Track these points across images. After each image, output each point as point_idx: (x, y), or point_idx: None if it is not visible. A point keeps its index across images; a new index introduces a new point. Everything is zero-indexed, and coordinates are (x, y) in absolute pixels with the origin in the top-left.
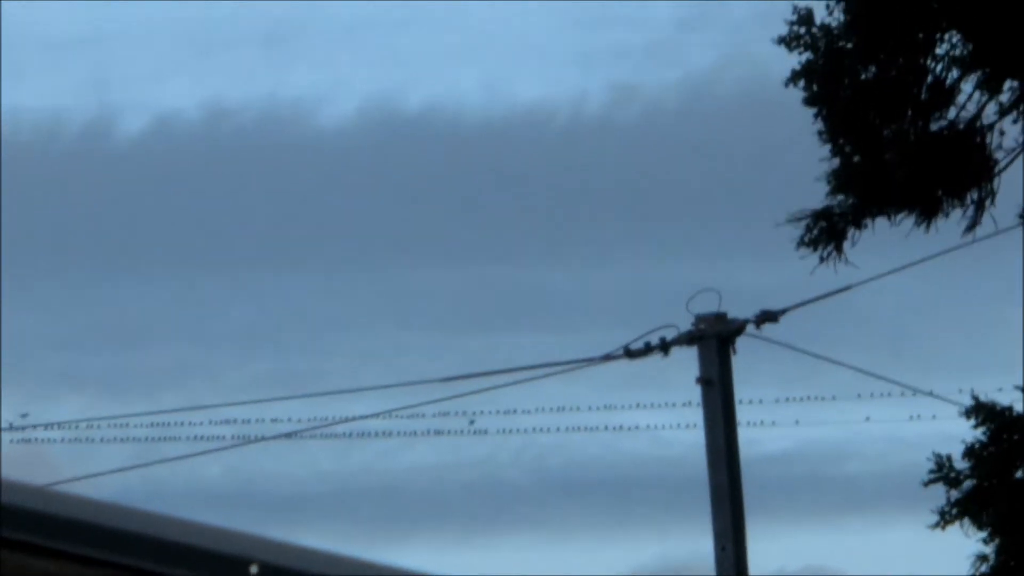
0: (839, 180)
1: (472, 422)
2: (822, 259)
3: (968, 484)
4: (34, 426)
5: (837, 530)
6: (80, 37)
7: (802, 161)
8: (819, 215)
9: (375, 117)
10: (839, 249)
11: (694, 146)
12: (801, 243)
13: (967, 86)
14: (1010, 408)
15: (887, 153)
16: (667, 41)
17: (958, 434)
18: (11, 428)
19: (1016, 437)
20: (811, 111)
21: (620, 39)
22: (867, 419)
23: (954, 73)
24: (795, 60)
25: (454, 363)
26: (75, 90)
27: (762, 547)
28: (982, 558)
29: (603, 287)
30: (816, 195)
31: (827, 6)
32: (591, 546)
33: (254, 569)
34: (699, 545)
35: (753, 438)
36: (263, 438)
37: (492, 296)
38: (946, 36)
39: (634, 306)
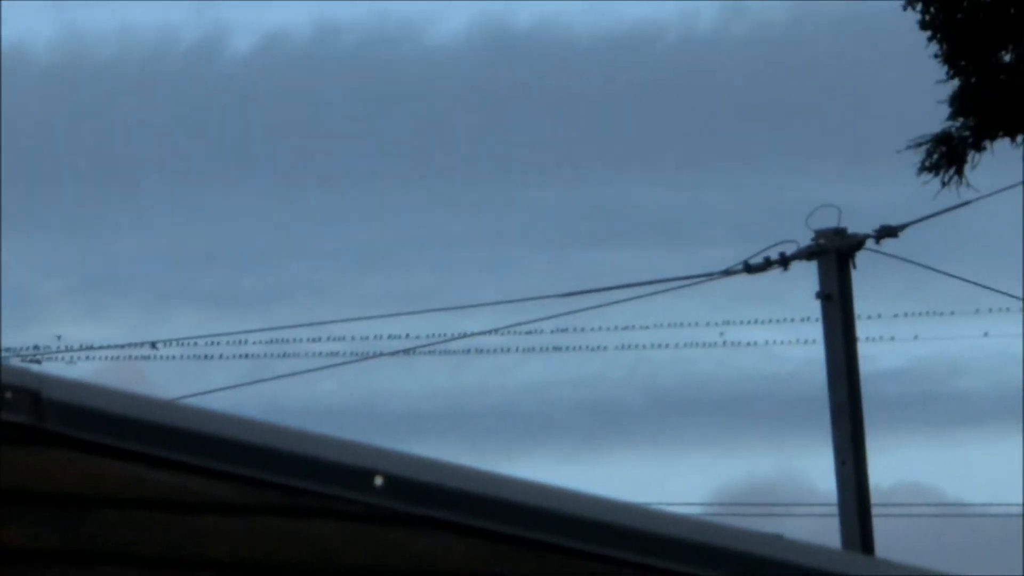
0: (958, 103)
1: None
2: (944, 183)
3: None
4: (153, 343)
5: (944, 446)
6: None
7: (915, 78)
8: (939, 139)
9: (485, 34)
10: (960, 172)
11: (805, 62)
12: (922, 168)
13: None
14: None
15: (1005, 75)
16: None
17: None
18: (130, 345)
19: None
20: (925, 33)
21: None
22: (985, 334)
23: None
24: None
25: (568, 279)
26: (186, 7)
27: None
28: None
29: (718, 203)
30: (930, 113)
31: None
32: (702, 462)
33: (378, 480)
34: (787, 463)
35: (869, 354)
36: (380, 354)
37: (606, 212)
38: None
39: (749, 222)
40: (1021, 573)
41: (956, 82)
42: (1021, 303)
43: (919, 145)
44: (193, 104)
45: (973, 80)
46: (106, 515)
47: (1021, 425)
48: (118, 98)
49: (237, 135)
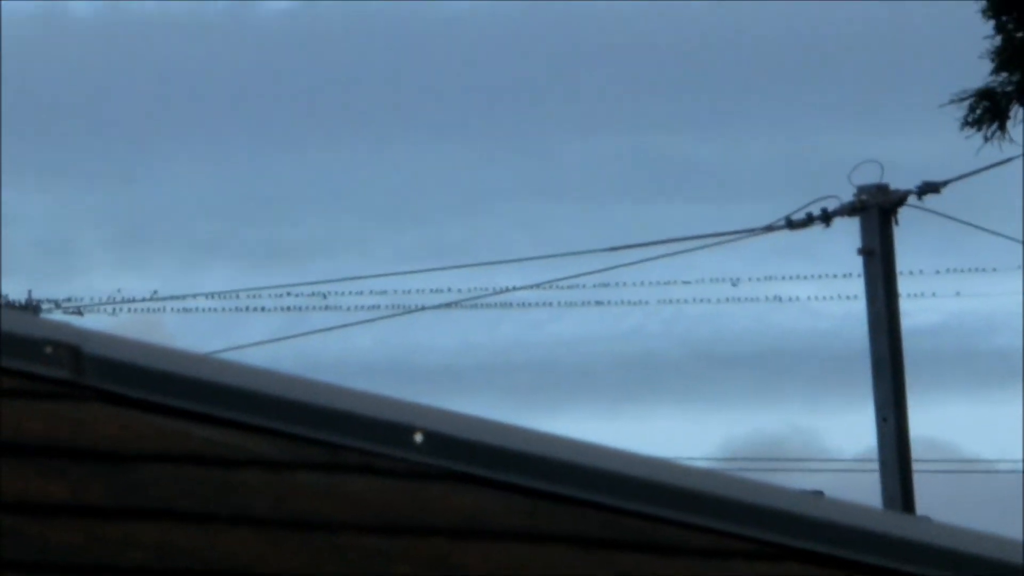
0: (1002, 58)
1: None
2: (986, 139)
3: None
4: (195, 295)
5: (975, 403)
6: None
7: (962, 33)
8: (982, 94)
9: None
10: (1003, 128)
11: (850, 16)
12: (965, 123)
13: None
14: None
15: None
16: None
17: None
18: (171, 297)
19: None
20: None
21: None
22: None
23: None
24: None
25: (609, 234)
26: None
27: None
28: None
29: (760, 159)
30: (974, 71)
31: None
32: (737, 417)
33: (418, 437)
34: (821, 419)
35: (908, 310)
36: (420, 308)
37: (648, 167)
38: None
39: (792, 178)
40: None
41: (1000, 37)
42: None
43: (962, 100)
44: (233, 56)
45: (1019, 35)
46: (147, 470)
47: None
48: (158, 50)
49: (278, 88)
